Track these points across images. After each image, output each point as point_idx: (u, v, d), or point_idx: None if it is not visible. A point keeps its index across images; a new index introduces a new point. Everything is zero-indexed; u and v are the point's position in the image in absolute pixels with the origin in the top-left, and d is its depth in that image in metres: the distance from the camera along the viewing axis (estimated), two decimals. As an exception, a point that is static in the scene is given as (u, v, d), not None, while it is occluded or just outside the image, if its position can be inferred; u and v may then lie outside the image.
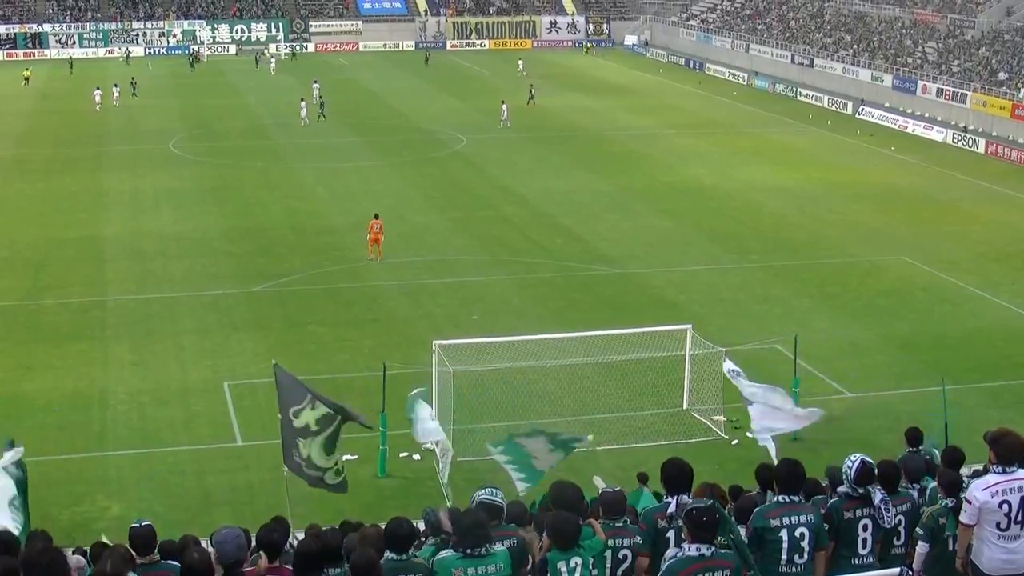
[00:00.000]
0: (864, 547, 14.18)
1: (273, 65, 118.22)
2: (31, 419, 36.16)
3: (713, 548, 11.84)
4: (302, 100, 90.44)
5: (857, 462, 14.19)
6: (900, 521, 14.66)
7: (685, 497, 13.26)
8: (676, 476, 13.48)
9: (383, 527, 13.63)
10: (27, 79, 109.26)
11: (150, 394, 38.20)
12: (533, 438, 24.20)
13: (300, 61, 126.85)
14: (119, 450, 34.44)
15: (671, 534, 13.25)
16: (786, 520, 13.13)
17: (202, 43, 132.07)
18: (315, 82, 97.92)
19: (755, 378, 32.35)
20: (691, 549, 11.81)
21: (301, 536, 17.86)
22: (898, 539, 14.80)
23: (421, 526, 16.09)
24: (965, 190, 69.14)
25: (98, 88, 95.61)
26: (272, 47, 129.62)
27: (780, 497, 13.42)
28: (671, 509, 13.23)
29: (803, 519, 13.20)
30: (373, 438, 32.78)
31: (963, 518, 14.11)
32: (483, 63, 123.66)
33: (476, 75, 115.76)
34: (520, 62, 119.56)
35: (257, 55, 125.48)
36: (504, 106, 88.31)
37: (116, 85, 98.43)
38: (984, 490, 13.98)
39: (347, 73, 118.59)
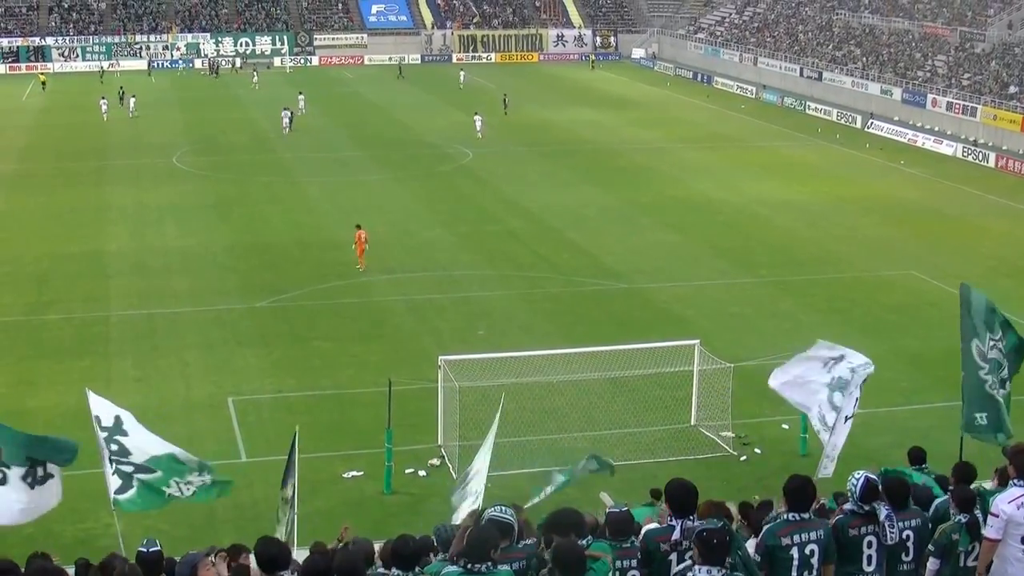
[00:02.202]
0: (869, 564, 14.04)
1: (256, 79, 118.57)
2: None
3: (724, 571, 11.73)
4: (285, 110, 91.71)
5: (861, 479, 14.09)
6: (909, 536, 14.49)
7: (689, 521, 13.06)
8: (681, 497, 13.28)
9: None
10: (44, 83, 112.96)
11: (154, 410, 37.73)
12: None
13: (296, 74, 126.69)
14: (122, 466, 34.10)
15: (673, 558, 13.07)
16: (796, 538, 13.10)
17: (207, 55, 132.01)
18: (300, 94, 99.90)
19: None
20: (702, 572, 11.71)
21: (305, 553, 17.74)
22: (907, 555, 14.60)
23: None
24: (975, 204, 68.88)
25: (104, 97, 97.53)
26: (252, 62, 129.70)
27: (790, 515, 13.33)
28: (675, 535, 13.04)
29: (812, 536, 13.17)
30: (378, 454, 32.65)
31: (989, 532, 14.14)
32: (490, 77, 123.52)
33: (482, 88, 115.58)
34: (462, 73, 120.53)
35: (254, 68, 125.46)
36: (477, 118, 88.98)
37: (133, 96, 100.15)
38: (1010, 502, 14.09)
39: (352, 87, 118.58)
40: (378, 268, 52.86)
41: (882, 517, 13.95)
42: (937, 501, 16.20)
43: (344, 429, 36.66)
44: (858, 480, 14.06)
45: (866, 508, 13.99)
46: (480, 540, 12.29)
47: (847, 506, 14.24)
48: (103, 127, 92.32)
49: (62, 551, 21.56)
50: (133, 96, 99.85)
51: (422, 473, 33.31)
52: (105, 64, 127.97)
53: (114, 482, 21.80)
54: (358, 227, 53.33)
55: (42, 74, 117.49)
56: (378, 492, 32.33)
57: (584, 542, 12.74)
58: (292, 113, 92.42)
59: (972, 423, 21.99)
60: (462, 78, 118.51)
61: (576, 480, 23.40)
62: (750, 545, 13.90)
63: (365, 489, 32.58)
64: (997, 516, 14.00)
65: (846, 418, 24.49)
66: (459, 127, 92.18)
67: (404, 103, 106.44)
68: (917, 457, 19.97)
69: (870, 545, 13.99)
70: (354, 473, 33.48)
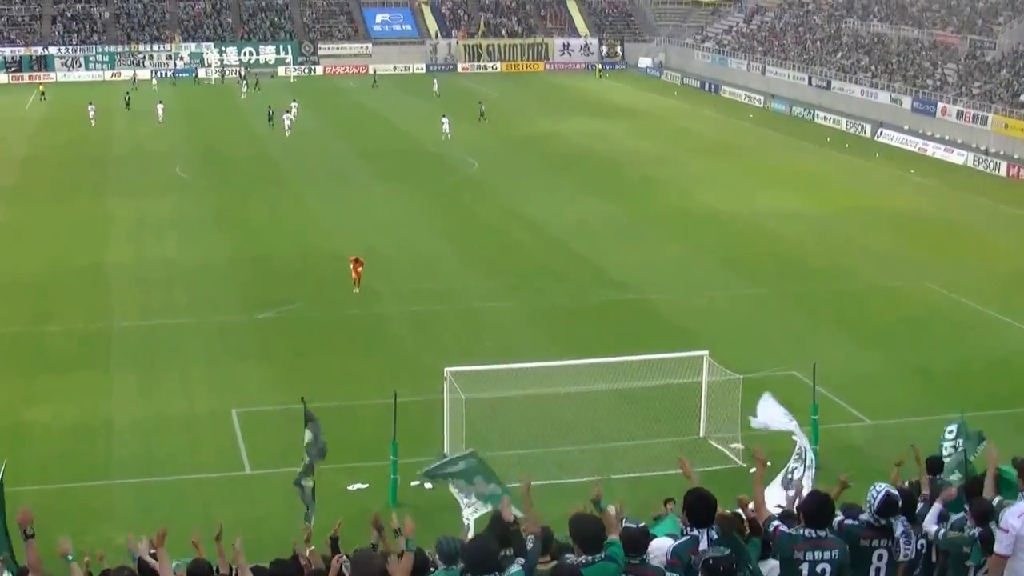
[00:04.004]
0: (876, 576, 13.86)
1: (244, 89, 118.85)
2: (34, 448, 35.76)
3: None
4: (285, 113, 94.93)
5: (882, 492, 13.97)
6: (922, 546, 14.58)
7: (712, 532, 12.89)
8: (699, 508, 13.06)
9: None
10: (43, 93, 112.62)
11: (155, 423, 37.80)
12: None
13: (300, 84, 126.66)
14: (124, 479, 34.02)
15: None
16: (809, 555, 13.01)
17: (209, 64, 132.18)
18: (293, 101, 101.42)
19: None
20: None
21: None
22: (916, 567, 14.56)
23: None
24: (986, 214, 68.61)
25: (91, 103, 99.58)
26: (255, 71, 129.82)
27: (806, 531, 13.19)
28: (703, 544, 12.83)
29: (826, 555, 13.02)
30: (384, 467, 32.43)
31: (1000, 549, 13.86)
32: (495, 86, 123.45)
33: (489, 99, 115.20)
34: (435, 81, 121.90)
35: (245, 78, 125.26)
36: (445, 119, 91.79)
37: (161, 102, 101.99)
38: (1019, 517, 13.84)
39: (355, 96, 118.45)
40: (382, 280, 52.50)
41: (898, 533, 13.86)
42: (954, 517, 15.95)
43: (349, 442, 36.27)
44: (879, 493, 13.97)
45: (882, 522, 13.86)
46: (480, 554, 12.26)
47: (863, 516, 14.16)
48: (106, 136, 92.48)
49: (63, 564, 21.19)
50: (160, 102, 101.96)
51: (428, 486, 32.96)
52: (107, 75, 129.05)
53: None
54: (357, 259, 52.01)
55: (41, 84, 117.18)
56: (383, 505, 31.97)
57: (589, 558, 12.58)
58: (270, 112, 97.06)
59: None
60: (435, 86, 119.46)
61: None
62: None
63: (370, 502, 32.22)
64: (1007, 531, 13.79)
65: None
66: (464, 137, 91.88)
67: (408, 113, 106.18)
68: (935, 467, 19.70)
69: (880, 558, 13.89)
70: (359, 486, 33.36)
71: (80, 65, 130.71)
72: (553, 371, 37.40)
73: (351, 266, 51.17)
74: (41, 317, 48.60)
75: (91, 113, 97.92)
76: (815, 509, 13.32)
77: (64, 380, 41.42)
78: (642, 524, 13.93)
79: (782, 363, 40.96)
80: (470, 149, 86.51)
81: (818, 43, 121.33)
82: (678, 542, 13.19)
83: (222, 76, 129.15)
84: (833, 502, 13.61)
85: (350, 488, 33.21)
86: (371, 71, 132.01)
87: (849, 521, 14.16)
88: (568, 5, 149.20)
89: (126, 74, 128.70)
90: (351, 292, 49.96)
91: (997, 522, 14.47)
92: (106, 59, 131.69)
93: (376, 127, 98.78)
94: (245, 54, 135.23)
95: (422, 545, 16.45)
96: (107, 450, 36.02)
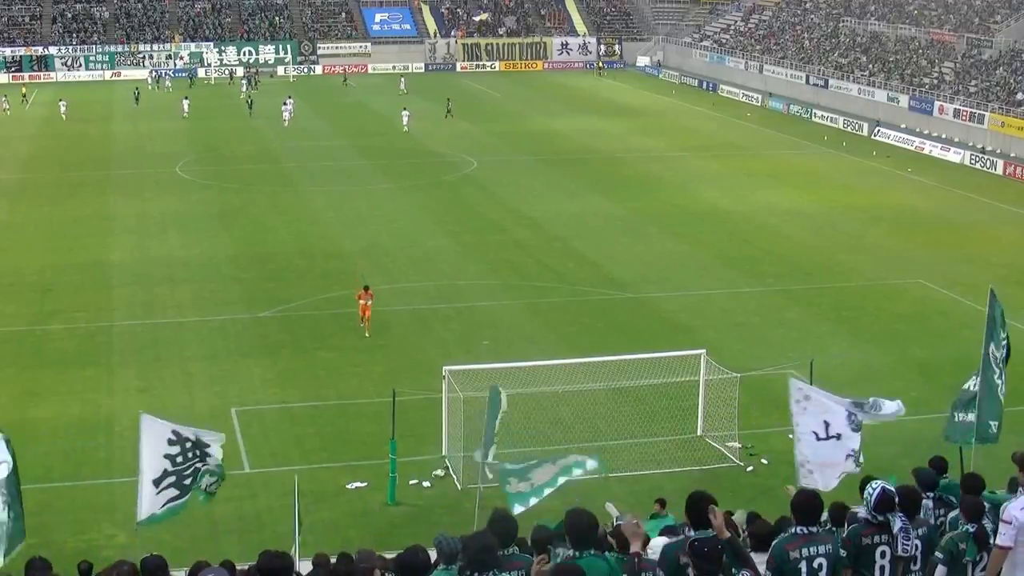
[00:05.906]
0: (882, 574, 13.95)
1: (244, 89, 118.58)
2: (37, 446, 35.74)
3: None
4: (283, 106, 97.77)
5: (878, 489, 14.04)
6: (917, 546, 14.43)
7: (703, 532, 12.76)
8: (700, 509, 12.79)
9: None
10: (24, 96, 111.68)
11: (156, 421, 37.69)
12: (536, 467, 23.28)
13: (299, 83, 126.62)
14: (125, 477, 33.97)
15: (691, 570, 12.80)
16: (805, 552, 13.01)
17: (209, 64, 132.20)
18: (289, 98, 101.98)
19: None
20: None
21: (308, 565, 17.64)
22: (914, 564, 14.50)
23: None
24: (983, 212, 68.62)
25: (61, 99, 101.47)
26: (254, 70, 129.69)
27: (798, 528, 13.22)
28: None
29: (821, 550, 13.06)
30: (382, 465, 32.50)
31: (1001, 540, 14.03)
32: (495, 85, 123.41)
33: (488, 98, 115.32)
34: (402, 80, 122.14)
35: (251, 77, 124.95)
36: (405, 113, 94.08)
37: (187, 98, 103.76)
38: (1022, 509, 13.97)
39: (355, 95, 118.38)
40: (382, 278, 52.54)
41: (896, 529, 13.93)
42: (951, 513, 16.07)
43: (348, 440, 36.50)
44: (874, 490, 14.05)
45: (880, 518, 13.95)
46: (479, 549, 12.23)
47: (861, 515, 14.29)
48: (110, 134, 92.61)
49: (64, 562, 21.38)
50: (186, 98, 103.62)
51: (426, 484, 33.17)
52: (108, 75, 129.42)
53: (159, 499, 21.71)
54: (366, 288, 46.82)
55: (23, 87, 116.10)
56: (382, 503, 32.19)
57: (578, 553, 12.40)
58: (289, 110, 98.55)
59: (987, 432, 22.07)
60: (402, 84, 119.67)
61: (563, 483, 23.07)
62: (759, 560, 13.70)
63: (369, 500, 32.42)
64: (1009, 523, 13.91)
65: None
66: (464, 136, 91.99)
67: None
68: (939, 467, 19.80)
69: (883, 555, 13.95)
70: (358, 484, 33.35)
71: (80, 65, 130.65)
72: (551, 369, 37.52)
73: (359, 302, 46.36)
74: (44, 315, 48.69)
75: (62, 109, 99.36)
76: (805, 505, 13.31)
77: (66, 377, 41.54)
78: (635, 520, 13.94)
79: (779, 361, 41.03)
80: (464, 147, 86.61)
81: (815, 42, 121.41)
82: (668, 540, 13.31)
83: (230, 76, 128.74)
84: (822, 499, 13.58)
85: (349, 487, 33.22)
86: (341, 71, 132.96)
87: (851, 525, 14.31)
88: (566, 4, 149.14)
89: (126, 73, 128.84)
90: (350, 289, 49.87)
91: (995, 517, 14.61)
92: (106, 59, 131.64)
93: (379, 126, 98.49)
94: (245, 54, 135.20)
95: (421, 543, 16.59)
96: (109, 448, 36.01)
